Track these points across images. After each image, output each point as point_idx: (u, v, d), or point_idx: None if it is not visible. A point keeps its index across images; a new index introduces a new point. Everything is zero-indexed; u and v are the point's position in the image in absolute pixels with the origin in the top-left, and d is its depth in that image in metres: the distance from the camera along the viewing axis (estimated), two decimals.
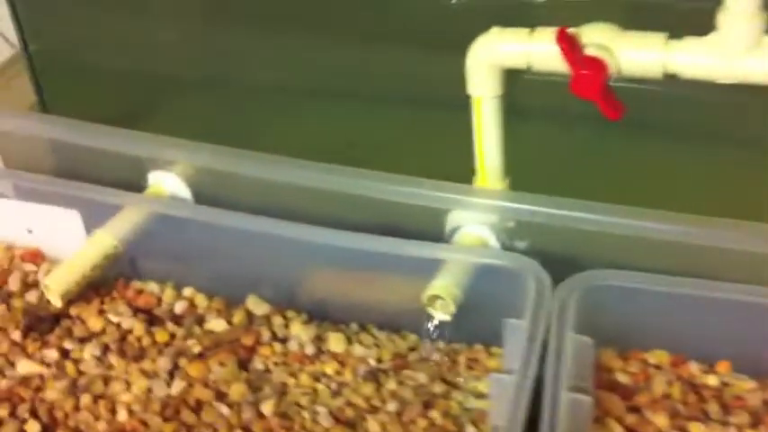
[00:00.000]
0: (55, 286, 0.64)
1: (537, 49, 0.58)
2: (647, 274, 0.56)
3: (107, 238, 0.67)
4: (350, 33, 0.74)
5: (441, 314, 0.60)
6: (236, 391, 0.59)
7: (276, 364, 0.61)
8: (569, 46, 0.55)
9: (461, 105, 0.71)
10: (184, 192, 0.71)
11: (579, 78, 0.55)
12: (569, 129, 0.69)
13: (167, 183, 0.71)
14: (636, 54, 0.55)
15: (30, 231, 0.71)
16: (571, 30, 0.56)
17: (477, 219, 0.64)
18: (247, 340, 0.63)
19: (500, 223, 0.63)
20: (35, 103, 0.84)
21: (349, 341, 0.63)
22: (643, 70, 0.56)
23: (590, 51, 0.56)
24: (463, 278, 0.60)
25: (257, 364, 0.61)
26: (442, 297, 0.59)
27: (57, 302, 0.65)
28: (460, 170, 0.65)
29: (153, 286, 0.68)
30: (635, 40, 0.56)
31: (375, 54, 0.74)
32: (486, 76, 0.61)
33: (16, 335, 0.64)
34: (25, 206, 0.70)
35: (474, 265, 0.60)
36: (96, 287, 0.68)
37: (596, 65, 0.55)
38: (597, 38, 0.56)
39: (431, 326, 0.61)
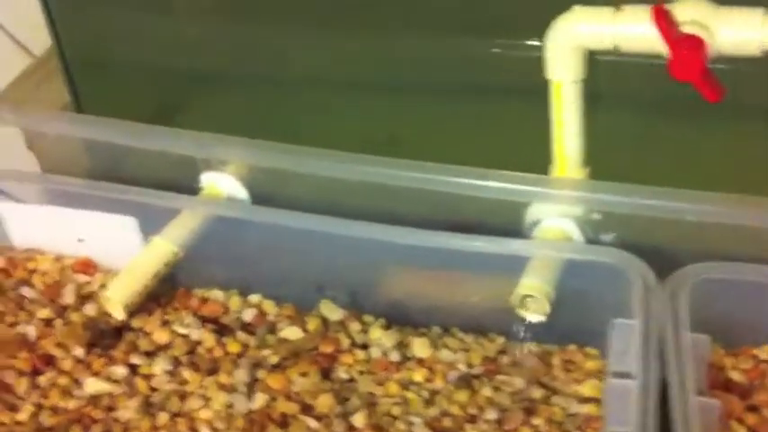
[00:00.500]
0: (117, 298, 0.61)
1: (625, 30, 0.55)
2: (756, 266, 0.54)
3: (166, 245, 0.63)
4: (391, 18, 0.71)
5: (533, 314, 0.57)
6: (323, 402, 0.56)
7: (361, 372, 0.58)
8: (667, 24, 0.52)
9: (513, 93, 0.68)
10: (241, 192, 0.68)
11: (679, 59, 0.52)
12: (643, 113, 0.67)
13: (223, 183, 0.67)
14: (734, 31, 0.53)
15: (80, 240, 0.68)
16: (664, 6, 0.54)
17: (560, 211, 0.61)
18: (327, 348, 0.60)
19: (585, 215, 0.61)
20: (67, 104, 0.80)
21: (434, 346, 0.60)
22: (741, 48, 0.53)
23: (687, 29, 0.53)
24: (555, 276, 0.57)
25: (340, 373, 0.58)
26: (534, 296, 0.56)
27: (119, 315, 0.61)
28: (513, 162, 0.62)
29: (217, 294, 0.65)
30: (733, 16, 0.53)
31: (418, 40, 0.70)
32: (567, 59, 0.58)
33: (79, 351, 0.60)
34: (75, 214, 0.66)
35: (564, 261, 0.58)
36: (156, 296, 0.64)
37: (696, 44, 0.52)
38: (692, 14, 0.53)
39: (522, 327, 0.58)
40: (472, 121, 0.72)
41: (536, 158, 0.63)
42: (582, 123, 0.60)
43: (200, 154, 0.67)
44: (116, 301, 0.61)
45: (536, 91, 0.60)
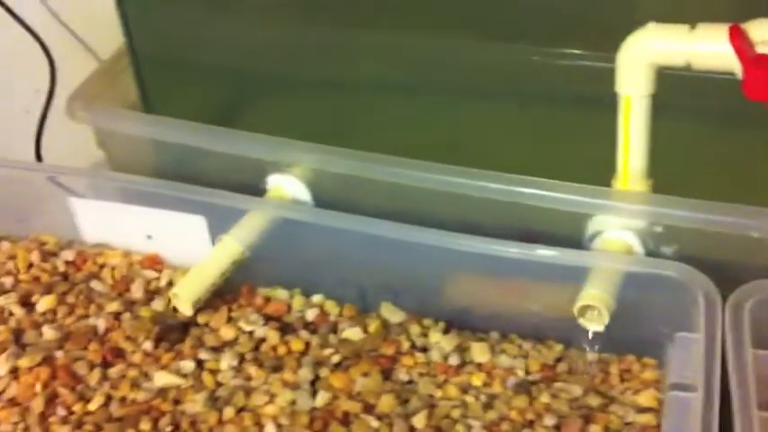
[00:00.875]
0: (185, 294, 0.63)
1: (700, 48, 0.55)
2: None
3: (234, 244, 0.65)
4: (453, 24, 0.71)
5: (593, 325, 0.58)
6: (385, 403, 0.57)
7: (420, 374, 0.59)
8: (743, 44, 0.53)
9: (576, 103, 0.69)
10: (305, 194, 0.69)
11: (753, 79, 0.53)
12: (707, 126, 0.67)
13: (288, 186, 0.69)
14: None
15: (149, 237, 0.70)
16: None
17: (622, 224, 0.62)
18: (387, 350, 0.61)
19: (647, 228, 0.62)
20: (135, 104, 0.83)
21: (493, 351, 0.61)
22: None
23: (761, 49, 0.53)
24: (616, 287, 0.58)
25: (400, 374, 0.60)
26: (595, 307, 0.57)
27: (187, 311, 0.63)
28: (572, 173, 0.63)
29: (281, 293, 0.67)
30: None
31: (482, 46, 0.71)
32: (639, 73, 0.58)
33: (147, 345, 0.62)
34: (144, 211, 0.68)
35: (626, 273, 0.58)
36: (221, 294, 0.66)
37: None
38: (766, 34, 0.54)
39: (582, 336, 0.59)
40: (533, 130, 0.73)
41: (596, 170, 0.64)
42: (648, 137, 0.61)
43: (269, 156, 0.69)
44: (185, 298, 0.63)
45: (599, 102, 0.61)
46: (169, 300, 0.65)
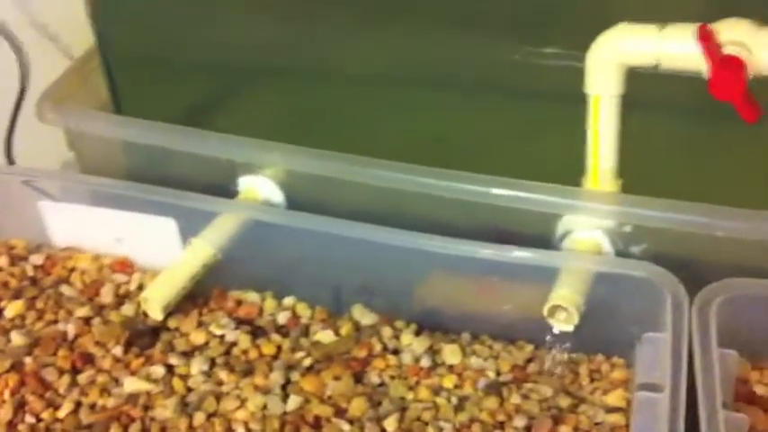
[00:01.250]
0: (155, 299, 0.63)
1: (669, 48, 0.55)
2: None
3: (206, 247, 0.65)
4: (437, 17, 0.71)
5: (563, 325, 0.58)
6: (357, 406, 0.57)
7: (392, 377, 0.59)
8: (711, 44, 0.53)
9: (557, 100, 0.69)
10: (278, 196, 0.69)
11: (720, 79, 0.53)
12: (675, 125, 0.67)
13: (261, 187, 0.69)
14: None
15: (118, 240, 0.69)
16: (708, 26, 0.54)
17: (592, 224, 0.62)
18: (359, 352, 0.61)
19: (616, 228, 0.62)
20: (106, 104, 0.82)
21: (464, 352, 0.61)
22: None
23: (729, 50, 0.54)
24: (585, 287, 0.58)
25: (372, 377, 0.60)
26: (565, 307, 0.57)
27: (158, 316, 0.63)
28: (551, 170, 0.63)
29: (253, 296, 0.66)
30: None
31: (465, 42, 0.71)
32: (608, 74, 0.58)
33: (117, 350, 0.62)
34: (114, 214, 0.68)
35: (595, 273, 0.59)
36: (192, 297, 0.66)
37: (737, 65, 0.53)
38: (735, 35, 0.54)
39: (551, 336, 0.59)
40: (517, 124, 0.72)
41: (569, 167, 0.64)
42: (618, 137, 0.61)
43: (240, 158, 0.68)
44: (155, 303, 0.62)
45: (579, 99, 0.62)
46: (139, 304, 0.64)
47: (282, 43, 0.76)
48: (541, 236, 0.64)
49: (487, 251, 0.60)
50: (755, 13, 0.55)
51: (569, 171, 0.63)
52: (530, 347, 0.62)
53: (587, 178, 0.63)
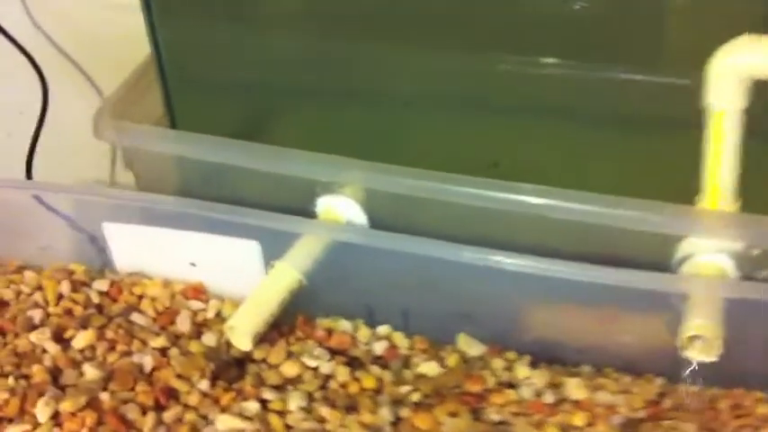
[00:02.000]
0: (244, 327, 0.57)
1: None
2: None
3: (290, 271, 0.59)
4: (488, 38, 0.67)
5: (702, 356, 0.53)
6: None
7: (514, 414, 0.54)
8: None
9: (626, 121, 0.65)
10: (361, 217, 0.64)
11: None
12: None
13: (342, 208, 0.63)
14: None
15: (193, 264, 0.63)
16: None
17: (716, 246, 0.58)
18: (473, 386, 0.56)
19: (743, 251, 0.57)
20: (160, 120, 0.76)
21: (589, 387, 0.56)
22: None
23: None
24: (720, 314, 0.54)
25: (491, 414, 0.54)
26: (704, 337, 0.53)
27: (246, 346, 0.57)
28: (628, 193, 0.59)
29: (344, 324, 0.61)
30: None
31: (524, 62, 0.67)
32: (732, 87, 0.54)
33: (204, 384, 0.56)
34: (188, 236, 0.62)
35: (726, 299, 0.54)
36: (276, 325, 0.60)
37: None
38: None
39: (689, 369, 0.54)
40: (573, 149, 0.69)
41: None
42: (739, 154, 0.57)
43: (323, 177, 0.63)
44: (243, 331, 0.57)
45: (642, 121, 0.58)
46: (221, 333, 0.59)
47: (336, 64, 0.72)
48: (655, 261, 0.59)
49: (611, 275, 0.55)
50: None
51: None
52: (659, 381, 0.56)
53: (704, 198, 0.59)
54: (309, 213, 0.65)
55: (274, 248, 0.61)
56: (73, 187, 0.67)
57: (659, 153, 0.62)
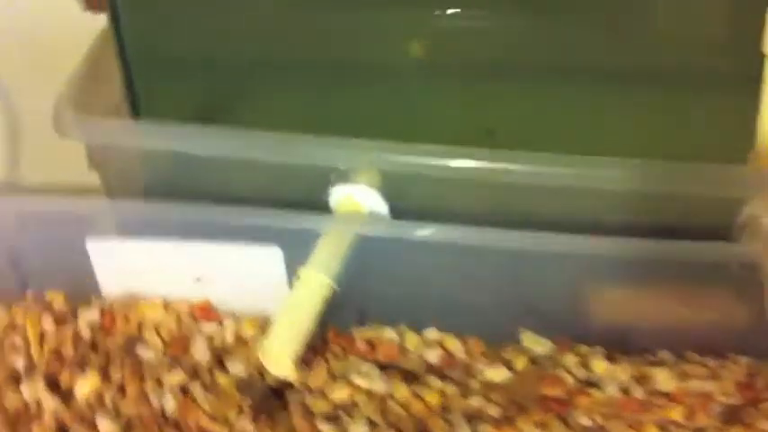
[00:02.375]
0: (283, 351, 0.48)
1: None
2: None
3: (320, 277, 0.51)
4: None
5: None
6: None
7: (605, 416, 0.48)
8: None
9: (625, 79, 0.61)
10: (382, 207, 0.56)
11: None
12: None
13: (361, 197, 0.55)
14: None
15: (198, 279, 0.54)
16: None
17: None
18: (553, 390, 0.49)
19: None
20: (118, 108, 0.66)
21: (676, 375, 0.51)
22: None
23: None
24: None
25: (580, 418, 0.48)
26: None
27: (289, 372, 0.48)
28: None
29: (388, 332, 0.53)
30: None
31: (517, 18, 0.61)
32: None
33: (245, 422, 0.47)
34: (193, 247, 0.53)
35: None
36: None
37: None
38: None
39: None
40: (572, 112, 0.64)
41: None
42: None
43: (342, 163, 0.55)
44: (283, 356, 0.48)
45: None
46: (249, 360, 0.50)
47: (316, 34, 0.63)
48: (716, 227, 0.55)
49: (670, 248, 0.51)
50: None
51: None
52: (744, 360, 0.52)
53: (757, 155, 0.55)
54: (321, 207, 0.57)
55: (295, 253, 0.53)
56: (44, 196, 0.56)
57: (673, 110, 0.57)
